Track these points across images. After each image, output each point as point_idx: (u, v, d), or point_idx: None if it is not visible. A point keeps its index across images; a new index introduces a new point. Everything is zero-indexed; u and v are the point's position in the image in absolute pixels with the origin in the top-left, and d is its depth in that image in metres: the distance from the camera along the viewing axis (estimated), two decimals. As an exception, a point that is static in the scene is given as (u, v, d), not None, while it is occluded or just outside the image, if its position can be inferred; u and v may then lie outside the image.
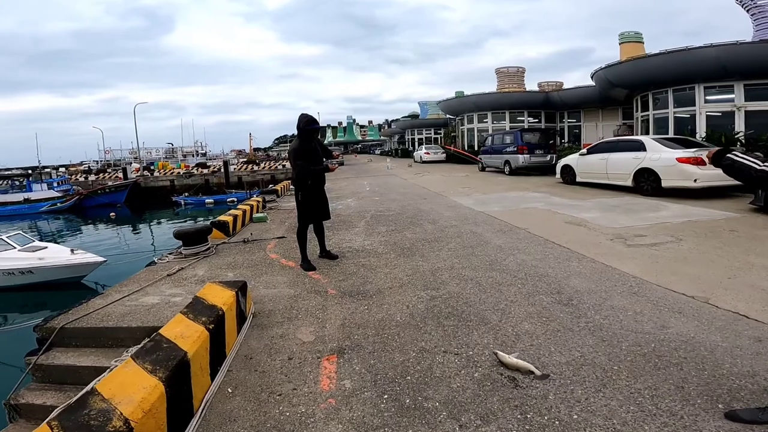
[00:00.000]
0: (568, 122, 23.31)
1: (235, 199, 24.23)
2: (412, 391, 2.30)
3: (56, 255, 11.05)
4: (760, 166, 2.02)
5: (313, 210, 4.86)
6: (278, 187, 14.14)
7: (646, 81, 13.78)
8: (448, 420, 2.07)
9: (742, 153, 2.16)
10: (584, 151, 11.50)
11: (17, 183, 29.17)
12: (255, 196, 13.43)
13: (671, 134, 12.40)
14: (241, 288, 3.40)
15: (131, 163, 38.13)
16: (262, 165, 34.93)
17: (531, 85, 26.40)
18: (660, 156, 8.87)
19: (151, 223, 23.95)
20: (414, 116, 44.07)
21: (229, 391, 2.43)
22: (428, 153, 28.05)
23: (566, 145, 20.88)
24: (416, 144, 38.75)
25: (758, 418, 1.93)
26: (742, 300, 3.35)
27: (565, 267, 4.46)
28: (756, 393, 2.15)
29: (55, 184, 29.47)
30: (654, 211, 7.31)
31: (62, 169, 48.05)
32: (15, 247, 11.13)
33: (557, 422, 2.01)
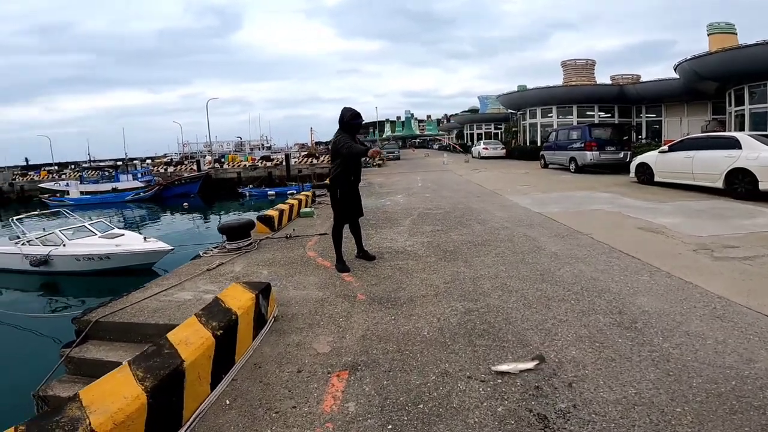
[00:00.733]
0: (647, 117, 21.21)
1: (294, 192, 25.02)
2: (420, 424, 1.98)
3: (131, 242, 11.66)
4: None
5: (350, 208, 4.64)
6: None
7: (741, 73, 12.21)
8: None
9: None
10: (665, 148, 10.26)
11: (107, 174, 32.31)
12: (306, 190, 13.55)
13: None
14: (263, 291, 3.26)
15: (205, 155, 40.84)
16: (321, 158, 35.68)
17: (602, 78, 24.42)
18: (759, 155, 7.64)
19: (220, 213, 25.37)
20: (473, 111, 42.69)
21: (227, 402, 2.27)
22: (487, 148, 26.94)
23: (644, 141, 18.98)
24: (475, 139, 37.50)
25: None
26: None
27: (632, 281, 3.85)
28: None
29: (139, 175, 32.26)
30: (749, 218, 6.25)
31: (148, 161, 52.68)
32: (96, 234, 11.88)
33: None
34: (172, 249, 11.87)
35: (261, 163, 35.53)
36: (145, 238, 12.08)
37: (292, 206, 7.70)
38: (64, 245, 11.40)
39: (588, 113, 21.92)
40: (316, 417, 2.08)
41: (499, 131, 35.63)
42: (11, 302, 10.25)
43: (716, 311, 3.11)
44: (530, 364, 2.43)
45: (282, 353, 2.81)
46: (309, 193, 9.75)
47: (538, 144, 22.85)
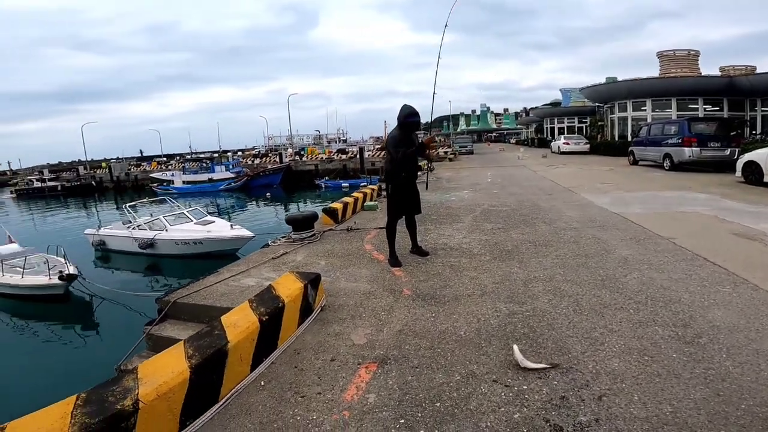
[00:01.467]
0: (762, 111, 18.38)
1: (366, 184, 25.59)
2: (432, 422, 2.01)
3: (220, 229, 12.63)
4: None
5: (404, 203, 4.68)
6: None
7: None
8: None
9: None
10: (780, 142, 8.87)
11: (204, 165, 35.78)
12: (373, 183, 13.69)
13: None
14: (312, 281, 3.47)
15: (287, 148, 43.47)
16: (396, 153, 36.01)
17: (710, 70, 21.69)
18: None
19: (298, 203, 26.88)
20: (555, 104, 40.15)
21: (262, 384, 2.48)
22: (567, 143, 25.22)
23: (758, 137, 16.48)
24: (555, 133, 35.30)
25: None
26: None
27: (709, 293, 3.46)
28: None
29: (231, 167, 35.27)
30: None
31: (239, 153, 57.31)
32: (192, 221, 13.06)
33: None
34: (254, 236, 12.80)
35: (336, 155, 36.91)
36: (231, 226, 13.05)
37: (356, 199, 7.96)
38: (166, 230, 12.65)
39: (691, 106, 19.60)
40: (336, 404, 2.21)
41: (583, 125, 33.23)
42: (122, 281, 11.75)
43: (805, 333, 2.70)
44: (539, 365, 2.39)
45: (321, 341, 2.98)
46: (375, 187, 9.97)
47: (628, 139, 20.95)
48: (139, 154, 70.70)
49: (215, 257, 12.09)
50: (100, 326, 9.04)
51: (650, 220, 6.15)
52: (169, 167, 41.20)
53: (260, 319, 2.74)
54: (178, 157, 54.63)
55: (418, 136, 4.89)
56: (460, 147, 33.27)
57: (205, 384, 2.18)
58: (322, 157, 36.76)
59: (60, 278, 9.38)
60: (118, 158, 62.30)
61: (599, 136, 26.39)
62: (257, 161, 40.31)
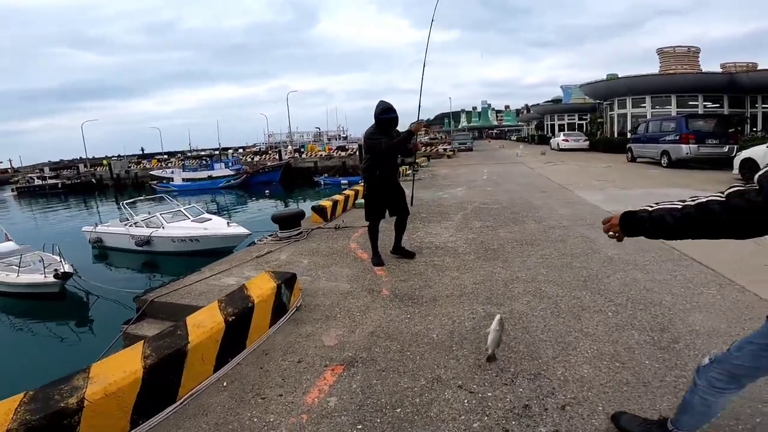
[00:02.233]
0: (763, 108, 18.23)
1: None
2: (390, 429, 1.95)
3: (216, 227, 12.60)
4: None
5: (383, 204, 4.47)
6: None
7: None
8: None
9: None
10: (777, 139, 8.77)
11: (204, 162, 35.78)
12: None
13: None
14: (286, 281, 3.42)
15: (287, 145, 43.45)
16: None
17: (711, 67, 21.54)
18: None
19: (298, 200, 26.83)
20: (556, 101, 39.96)
21: (224, 384, 2.44)
22: (567, 140, 25.04)
23: (759, 134, 16.33)
24: (556, 130, 35.15)
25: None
26: None
27: (693, 295, 3.39)
28: None
29: (230, 164, 35.24)
30: None
31: (240, 150, 57.28)
32: (189, 218, 13.03)
33: None
34: (250, 233, 12.77)
35: (336, 153, 36.84)
36: (228, 223, 13.03)
37: (347, 197, 7.91)
38: (163, 227, 12.60)
39: (691, 103, 19.45)
40: (295, 407, 2.16)
41: (583, 122, 33.08)
42: (119, 278, 11.76)
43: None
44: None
45: (291, 342, 2.93)
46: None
47: (628, 136, 20.82)
48: (141, 152, 70.84)
49: (212, 254, 12.25)
50: (94, 323, 9.04)
51: (641, 218, 6.05)
52: (169, 165, 41.23)
53: (226, 319, 2.69)
54: (179, 155, 54.66)
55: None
56: (459, 144, 33.04)
57: (160, 384, 2.15)
58: (321, 154, 36.72)
59: (55, 276, 9.37)
60: (119, 156, 62.53)
61: (599, 133, 26.25)
62: (257, 158, 40.26)
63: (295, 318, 3.35)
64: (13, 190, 42.23)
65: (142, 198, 17.89)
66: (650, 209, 1.45)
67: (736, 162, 9.74)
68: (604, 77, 24.98)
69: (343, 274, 4.32)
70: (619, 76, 23.12)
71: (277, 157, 38.49)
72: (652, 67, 22.05)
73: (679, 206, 1.38)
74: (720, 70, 20.63)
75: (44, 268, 9.62)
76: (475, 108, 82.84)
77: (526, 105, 71.36)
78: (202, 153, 45.14)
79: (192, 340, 2.39)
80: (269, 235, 6.11)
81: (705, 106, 19.20)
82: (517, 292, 3.60)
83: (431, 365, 2.51)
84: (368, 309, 3.44)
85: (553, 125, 37.34)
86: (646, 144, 14.41)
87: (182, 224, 12.89)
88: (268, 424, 2.05)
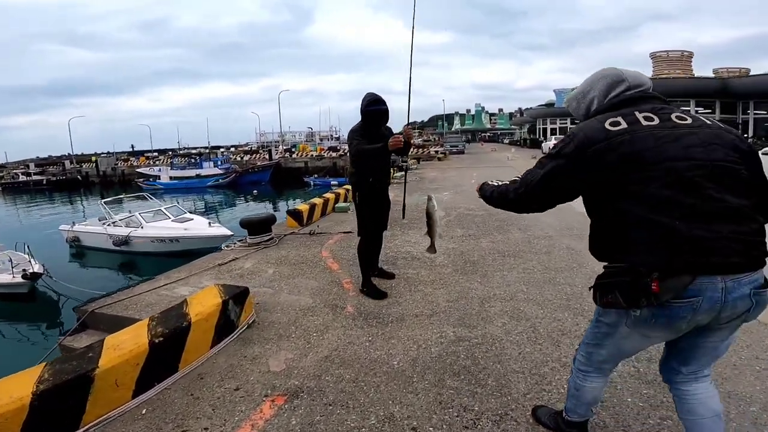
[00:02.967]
0: (755, 114, 18.15)
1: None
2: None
3: (198, 227, 12.21)
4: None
5: (379, 214, 3.74)
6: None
7: None
8: None
9: None
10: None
11: (193, 161, 35.16)
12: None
13: None
14: (236, 296, 3.07)
15: (278, 145, 42.93)
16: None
17: (703, 72, 21.37)
18: None
19: (287, 201, 26.35)
20: (549, 105, 39.94)
21: (143, 412, 2.11)
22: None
23: (751, 141, 16.25)
24: (548, 134, 35.10)
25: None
26: None
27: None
28: None
29: (219, 163, 34.67)
30: None
31: (232, 149, 56.59)
32: (169, 218, 12.66)
33: None
34: (232, 234, 12.36)
35: (327, 153, 36.40)
36: (209, 223, 12.63)
37: (327, 201, 7.56)
38: (142, 227, 12.22)
39: (682, 109, 19.26)
40: (217, 451, 1.82)
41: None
42: (93, 279, 11.29)
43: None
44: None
45: (233, 365, 2.59)
46: (349, 186, 9.52)
47: (620, 140, 20.69)
48: (131, 149, 69.88)
49: (192, 256, 11.86)
50: (64, 327, 8.61)
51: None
52: (157, 162, 40.55)
53: (152, 341, 2.35)
54: (170, 152, 53.96)
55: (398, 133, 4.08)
56: (450, 146, 32.74)
57: (56, 410, 1.86)
58: (312, 155, 36.28)
59: (23, 277, 8.93)
60: (108, 153, 61.52)
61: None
62: (246, 158, 39.71)
63: (244, 337, 3.00)
64: (-4, 186, 41.31)
65: (121, 196, 17.39)
66: (494, 185, 1.81)
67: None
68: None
69: (308, 286, 3.97)
70: None
71: (267, 156, 37.98)
72: (645, 72, 21.95)
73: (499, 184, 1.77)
74: (712, 75, 20.56)
75: (12, 267, 9.18)
76: (468, 111, 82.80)
77: (520, 108, 71.59)
78: (193, 151, 44.56)
79: (102, 364, 2.08)
80: (239, 241, 5.75)
81: (697, 112, 19.07)
82: (493, 313, 3.27)
83: (386, 400, 2.17)
84: (327, 328, 3.10)
85: (545, 129, 37.29)
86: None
87: (162, 224, 12.50)
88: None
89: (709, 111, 19.10)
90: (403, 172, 3.31)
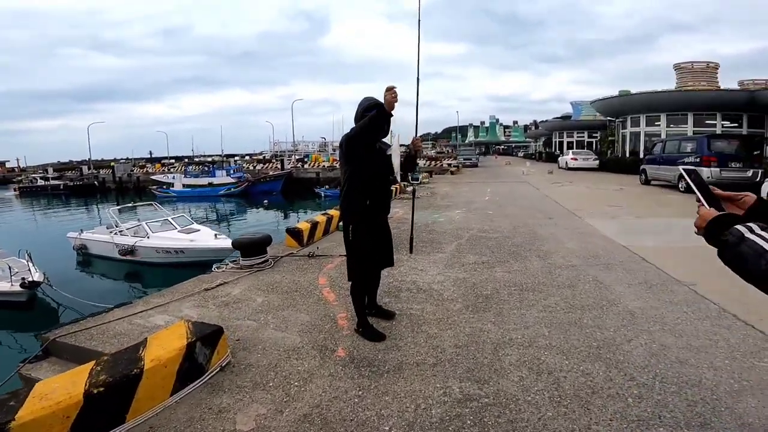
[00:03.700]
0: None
1: None
2: None
3: (204, 238, 11.90)
4: None
5: (374, 251, 3.12)
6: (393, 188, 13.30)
7: None
8: None
9: None
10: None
11: (206, 169, 35.27)
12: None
13: None
14: (206, 338, 2.63)
15: (291, 155, 42.87)
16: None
17: (726, 84, 20.48)
18: None
19: (298, 211, 26.07)
20: (566, 117, 39.18)
21: None
22: (575, 158, 24.15)
23: None
24: (564, 147, 34.29)
25: None
26: None
27: (742, 370, 2.58)
28: None
29: (231, 172, 34.69)
30: None
31: (246, 157, 56.87)
32: (176, 228, 12.39)
33: None
34: None
35: (338, 163, 36.07)
36: (216, 235, 12.35)
37: (330, 218, 7.11)
38: (148, 237, 11.99)
39: (708, 122, 18.45)
40: None
41: (593, 140, 32.23)
42: (96, 289, 11.03)
43: None
44: None
45: (194, 419, 2.16)
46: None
47: (640, 156, 19.88)
48: (149, 155, 70.97)
49: (197, 267, 11.57)
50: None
51: (665, 257, 5.20)
52: (172, 170, 40.83)
53: (89, 391, 1.99)
54: (186, 160, 54.50)
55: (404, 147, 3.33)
56: (464, 159, 32.15)
57: None
58: (324, 165, 36.06)
59: (22, 285, 8.68)
60: (127, 159, 62.58)
61: (609, 152, 25.32)
62: (259, 167, 39.71)
63: (214, 382, 2.56)
64: (15, 190, 42.08)
65: (130, 204, 17.27)
66: (744, 234, 0.92)
67: (764, 189, 8.84)
68: (616, 93, 24.13)
69: (298, 321, 3.51)
70: (632, 92, 22.26)
71: (279, 166, 37.90)
72: (664, 85, 21.21)
73: None
74: (738, 87, 19.69)
75: (11, 275, 8.95)
76: (483, 122, 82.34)
77: (535, 121, 70.75)
78: (208, 159, 44.89)
79: (21, 416, 1.78)
80: (231, 262, 5.33)
81: (723, 126, 18.21)
82: (509, 363, 2.77)
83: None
84: (311, 377, 2.63)
85: (561, 142, 36.49)
86: (662, 166, 13.50)
87: (168, 234, 12.29)
88: None
89: (736, 125, 18.17)
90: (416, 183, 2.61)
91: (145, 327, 3.45)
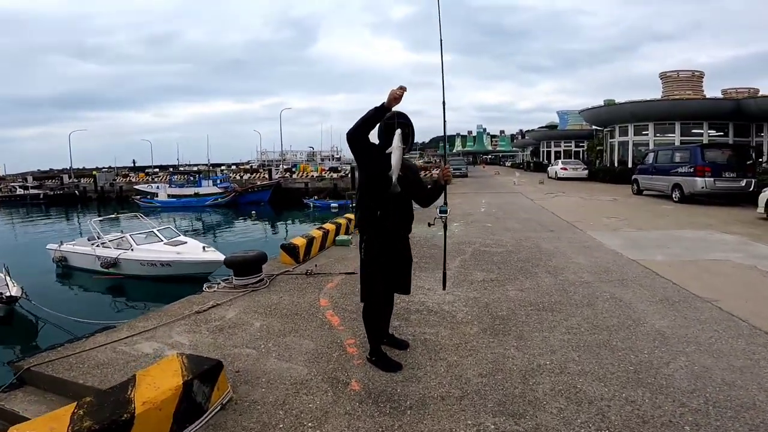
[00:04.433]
0: (769, 137, 17.47)
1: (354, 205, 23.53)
2: None
3: (192, 251, 11.48)
4: None
5: (393, 272, 2.84)
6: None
7: None
8: None
9: None
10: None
11: (192, 178, 34.52)
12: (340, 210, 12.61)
13: None
14: (204, 374, 2.31)
15: (279, 164, 42.37)
16: (389, 172, 34.71)
17: (710, 93, 20.85)
18: None
19: (286, 222, 25.57)
20: (552, 126, 39.60)
21: None
22: (565, 168, 24.28)
23: (765, 165, 15.47)
24: (552, 157, 34.59)
25: None
26: None
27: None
28: None
29: (218, 181, 34.00)
30: None
31: (233, 167, 56.07)
32: (162, 240, 11.92)
33: None
34: None
35: (328, 174, 35.78)
36: (204, 248, 11.91)
37: (326, 233, 6.79)
38: (132, 249, 11.55)
39: (694, 131, 18.64)
40: None
41: (580, 149, 32.59)
42: (78, 303, 10.51)
43: None
44: None
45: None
46: (352, 216, 8.74)
47: (629, 165, 20.05)
48: (132, 164, 69.58)
49: (185, 281, 11.03)
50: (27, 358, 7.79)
51: (677, 271, 5.03)
52: (155, 179, 39.89)
53: None
54: (170, 169, 53.44)
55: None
56: (453, 169, 32.10)
57: None
58: (313, 175, 35.64)
59: (-1, 301, 8.17)
60: (109, 167, 61.17)
61: (597, 161, 25.48)
62: (246, 177, 39.07)
63: (216, 423, 2.27)
64: (-7, 199, 40.64)
65: (113, 216, 16.66)
66: None
67: (762, 199, 8.83)
68: (601, 103, 24.36)
69: (303, 348, 3.19)
70: (616, 101, 22.39)
71: (267, 176, 37.35)
72: (647, 93, 21.54)
73: None
74: (721, 96, 20.01)
75: (-13, 290, 8.41)
76: (470, 132, 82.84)
77: (521, 130, 71.55)
78: (193, 169, 44.03)
79: None
80: (223, 280, 4.97)
81: (709, 135, 18.35)
82: (543, 392, 2.51)
83: None
84: (326, 416, 2.32)
85: (549, 152, 36.80)
86: (655, 176, 13.53)
87: (154, 247, 11.83)
88: None
89: (722, 134, 18.30)
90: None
91: (131, 356, 3.10)
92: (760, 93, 19.30)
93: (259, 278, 4.78)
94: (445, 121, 3.14)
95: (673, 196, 12.34)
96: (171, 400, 2.10)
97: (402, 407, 2.40)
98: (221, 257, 11.19)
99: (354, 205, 2.93)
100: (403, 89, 2.52)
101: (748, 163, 11.87)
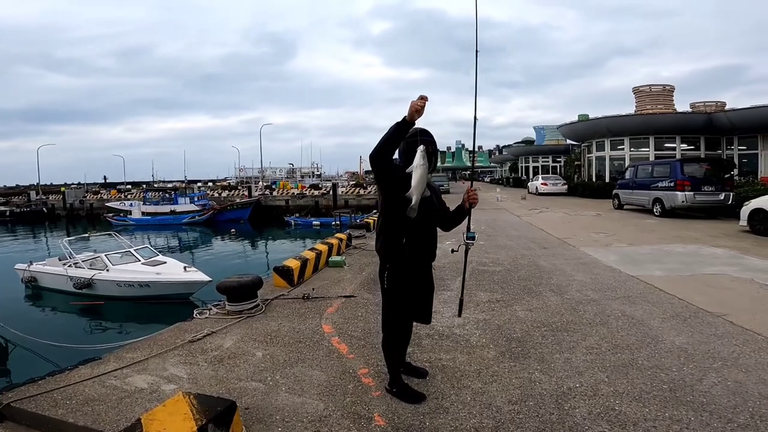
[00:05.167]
0: (739, 150, 18.16)
1: (337, 223, 23.09)
2: None
3: (172, 271, 11.11)
4: None
5: (417, 301, 2.70)
6: (370, 220, 12.46)
7: None
8: None
9: None
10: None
11: (167, 196, 33.50)
12: (344, 223, 12.37)
13: None
14: (217, 418, 2.06)
15: (258, 181, 41.68)
16: (369, 189, 34.65)
17: (678, 106, 21.70)
18: None
19: (267, 240, 24.96)
20: (529, 142, 40.52)
21: None
22: (545, 184, 24.75)
23: (737, 178, 16.01)
24: (530, 172, 35.31)
25: None
26: None
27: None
28: None
29: (195, 199, 33.11)
30: None
31: (210, 183, 54.89)
32: (140, 260, 11.47)
33: None
34: (210, 281, 11.12)
35: (309, 191, 35.42)
36: (185, 267, 11.45)
37: (319, 254, 6.54)
38: (107, 270, 11.06)
39: (668, 145, 19.27)
40: None
41: (558, 164, 33.33)
42: (48, 325, 9.89)
43: None
44: None
45: None
46: (344, 236, 8.48)
47: (607, 180, 20.54)
48: (103, 180, 67.25)
49: (166, 302, 10.46)
50: (11, 375, 7.20)
51: (679, 286, 5.02)
52: (129, 196, 38.56)
53: None
54: (144, 186, 51.83)
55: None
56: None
57: None
58: (293, 192, 35.18)
59: (-36, 325, 7.60)
60: (79, 184, 58.91)
61: (576, 176, 26.05)
62: (225, 194, 38.24)
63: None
64: (-46, 218, 38.39)
65: (87, 235, 15.90)
66: None
67: (744, 213, 9.07)
68: (576, 118, 24.94)
69: (314, 380, 2.96)
70: (591, 116, 22.77)
71: (246, 193, 36.65)
72: (618, 107, 22.24)
73: None
74: (690, 110, 20.74)
75: (-45, 313, 7.81)
76: (449, 148, 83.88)
77: (498, 146, 72.92)
78: (168, 185, 42.81)
79: None
80: (215, 305, 4.67)
81: (682, 149, 18.93)
82: (581, 417, 2.37)
83: None
84: (353, 462, 2.10)
85: (527, 167, 37.51)
86: (635, 190, 13.84)
87: (131, 267, 11.36)
88: None
89: (693, 147, 18.88)
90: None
91: (123, 391, 2.80)
92: (727, 106, 20.08)
93: (254, 304, 4.50)
94: (474, 140, 3.00)
95: (654, 210, 12.63)
96: (183, 449, 1.86)
97: (433, 444, 2.21)
98: (205, 277, 10.82)
99: (376, 229, 2.71)
100: (424, 99, 2.31)
101: (726, 176, 12.27)
